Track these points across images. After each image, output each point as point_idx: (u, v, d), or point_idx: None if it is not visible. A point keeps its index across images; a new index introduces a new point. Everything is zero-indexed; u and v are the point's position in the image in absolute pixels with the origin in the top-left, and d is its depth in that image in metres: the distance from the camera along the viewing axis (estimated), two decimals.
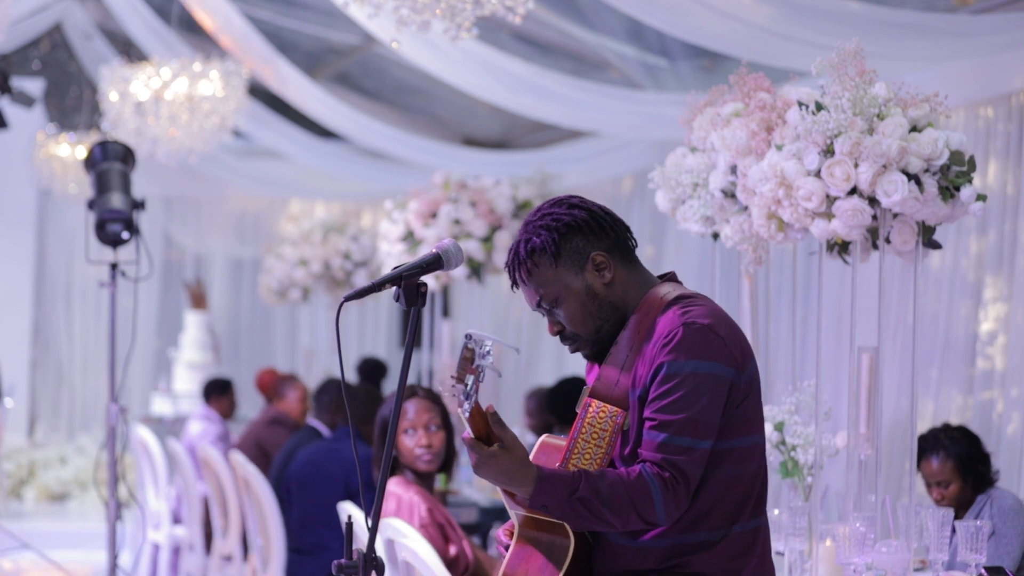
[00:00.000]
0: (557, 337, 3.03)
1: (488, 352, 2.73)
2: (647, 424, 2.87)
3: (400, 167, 10.54)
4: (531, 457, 2.97)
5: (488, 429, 2.82)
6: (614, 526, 2.85)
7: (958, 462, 4.82)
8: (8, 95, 6.90)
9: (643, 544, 2.91)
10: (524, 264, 2.97)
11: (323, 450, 6.10)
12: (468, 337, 2.72)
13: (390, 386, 9.85)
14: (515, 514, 3.00)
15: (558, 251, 2.94)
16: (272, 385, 8.14)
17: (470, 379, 2.72)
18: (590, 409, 2.94)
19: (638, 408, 2.90)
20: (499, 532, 3.11)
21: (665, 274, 3.07)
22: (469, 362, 2.72)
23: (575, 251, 2.95)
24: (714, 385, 2.84)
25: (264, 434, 7.43)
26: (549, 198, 3.10)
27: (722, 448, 2.88)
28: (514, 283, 3.02)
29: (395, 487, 4.50)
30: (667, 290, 2.98)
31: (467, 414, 2.76)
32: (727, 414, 2.87)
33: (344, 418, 6.59)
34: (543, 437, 3.05)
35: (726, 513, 2.90)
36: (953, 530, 3.88)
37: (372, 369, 9.44)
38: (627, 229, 3.03)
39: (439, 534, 4.39)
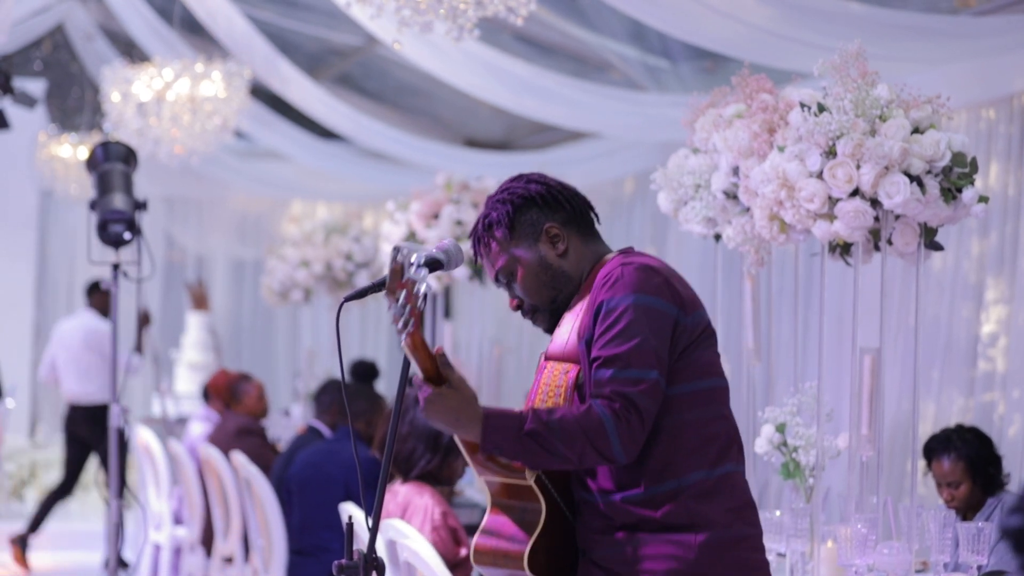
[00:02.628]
0: (518, 312, 3.08)
1: (421, 265, 2.68)
2: (594, 364, 2.86)
3: (402, 168, 10.55)
4: None
5: (437, 371, 2.82)
6: (570, 460, 2.81)
7: (969, 463, 4.81)
8: (10, 96, 6.89)
9: (618, 500, 2.89)
10: (482, 238, 3.06)
11: (323, 451, 6.09)
12: (396, 250, 2.68)
13: (381, 387, 9.85)
14: (487, 482, 3.00)
15: (512, 224, 3.02)
16: (228, 388, 7.83)
17: (402, 294, 2.66)
18: (545, 372, 2.98)
19: (586, 353, 2.90)
20: None
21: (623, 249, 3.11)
22: (398, 275, 2.67)
23: (529, 223, 3.03)
24: (656, 317, 2.84)
25: (236, 446, 7.11)
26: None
27: (679, 392, 2.87)
28: (476, 257, 3.09)
29: (408, 491, 4.51)
30: (616, 252, 3.04)
31: (405, 336, 2.70)
32: (675, 356, 2.86)
33: (344, 419, 6.58)
34: None
35: (693, 458, 2.87)
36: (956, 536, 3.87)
37: (365, 371, 9.41)
38: (588, 205, 3.09)
39: (450, 537, 4.41)
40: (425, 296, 2.70)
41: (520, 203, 3.03)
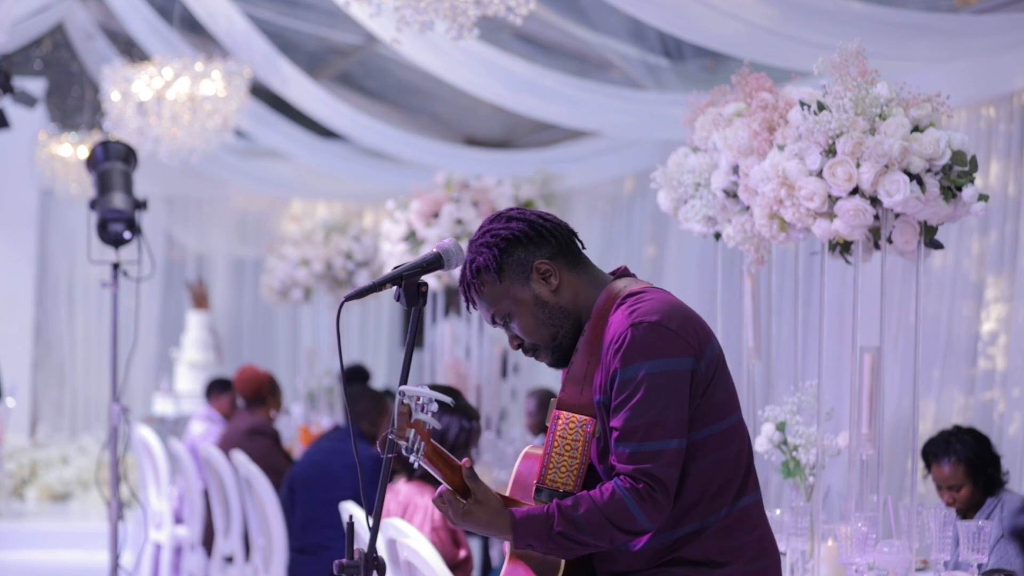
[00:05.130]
0: (519, 351, 3.05)
1: (427, 405, 2.75)
2: (612, 435, 2.86)
3: (402, 167, 10.54)
4: (515, 468, 3.01)
5: (463, 482, 2.86)
6: (601, 547, 2.87)
7: (969, 466, 4.79)
8: (10, 95, 6.90)
9: (637, 547, 2.91)
10: (472, 284, 2.99)
11: (326, 450, 6.10)
12: (401, 393, 2.74)
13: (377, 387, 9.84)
14: None
15: (500, 266, 2.95)
16: (270, 386, 7.77)
17: (411, 434, 2.74)
18: (559, 422, 2.94)
19: (602, 414, 2.90)
20: None
21: (616, 270, 3.05)
22: (407, 417, 2.74)
23: (517, 263, 2.95)
24: (672, 382, 2.82)
25: (246, 446, 7.05)
26: (495, 213, 3.08)
27: (695, 439, 2.87)
28: (468, 303, 3.03)
29: (410, 489, 4.51)
30: (620, 286, 2.97)
31: (415, 464, 2.80)
32: (694, 404, 2.86)
33: (354, 420, 6.56)
34: (526, 449, 3.07)
35: (712, 500, 2.89)
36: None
37: (354, 374, 9.39)
38: (571, 232, 3.02)
39: (450, 538, 4.41)
40: (435, 428, 2.78)
41: (504, 244, 2.95)
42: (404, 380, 2.82)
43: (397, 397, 2.73)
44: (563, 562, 2.93)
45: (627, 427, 2.83)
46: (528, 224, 2.97)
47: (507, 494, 2.98)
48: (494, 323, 3.01)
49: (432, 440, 2.79)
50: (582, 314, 2.97)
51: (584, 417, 2.91)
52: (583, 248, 3.04)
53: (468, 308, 3.05)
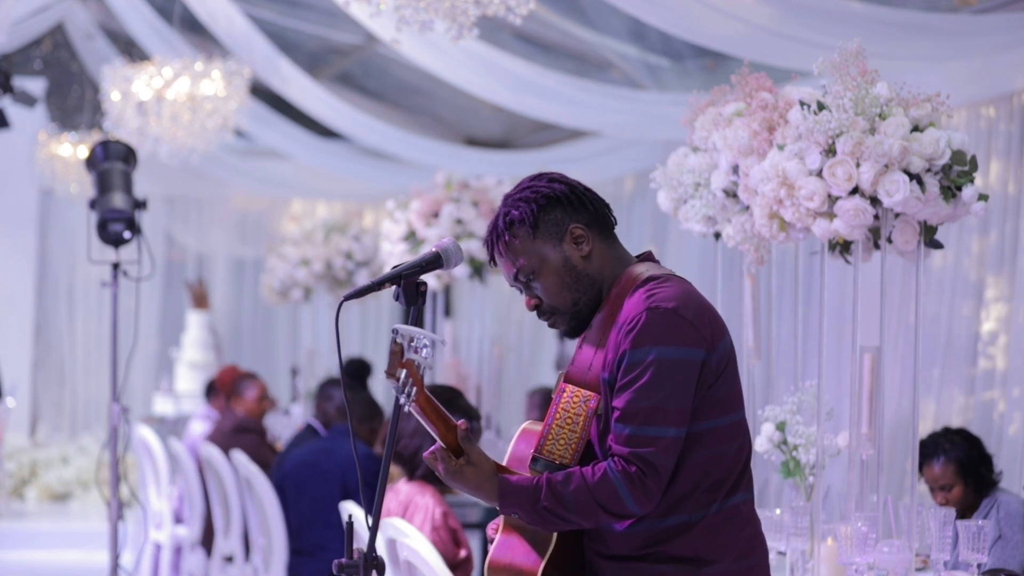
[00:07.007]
0: (535, 312, 3.03)
1: (424, 346, 2.74)
2: (614, 414, 2.85)
3: (402, 167, 10.55)
4: (512, 444, 3.00)
5: (456, 441, 2.86)
6: (585, 526, 2.87)
7: (959, 466, 4.81)
8: (10, 95, 6.89)
9: (624, 530, 2.90)
10: (502, 236, 2.97)
11: (317, 450, 6.08)
12: (395, 332, 2.74)
13: (375, 384, 9.84)
14: None
15: (536, 222, 2.95)
16: (232, 383, 7.89)
17: (402, 373, 2.73)
18: (564, 394, 2.92)
19: (607, 392, 2.89)
20: (489, 527, 3.12)
21: (642, 253, 3.05)
22: (398, 357, 2.74)
23: (554, 223, 2.95)
24: (681, 370, 2.82)
25: (233, 444, 7.06)
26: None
27: (697, 430, 2.85)
28: (492, 258, 3.02)
29: (410, 489, 4.51)
30: (642, 269, 2.97)
31: (406, 408, 2.77)
32: (699, 396, 2.85)
33: (341, 417, 6.57)
34: (525, 424, 3.06)
35: (705, 494, 2.88)
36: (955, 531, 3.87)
37: (357, 369, 9.41)
38: (607, 206, 3.03)
39: (450, 537, 4.41)
40: (426, 367, 2.76)
41: (544, 202, 2.95)
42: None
43: (390, 336, 2.73)
44: (554, 536, 2.92)
45: (629, 408, 2.82)
46: (570, 188, 2.99)
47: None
48: (515, 280, 2.99)
49: (427, 391, 2.78)
50: (604, 286, 2.97)
51: (589, 392, 2.90)
52: (615, 224, 3.04)
53: (491, 262, 3.03)
